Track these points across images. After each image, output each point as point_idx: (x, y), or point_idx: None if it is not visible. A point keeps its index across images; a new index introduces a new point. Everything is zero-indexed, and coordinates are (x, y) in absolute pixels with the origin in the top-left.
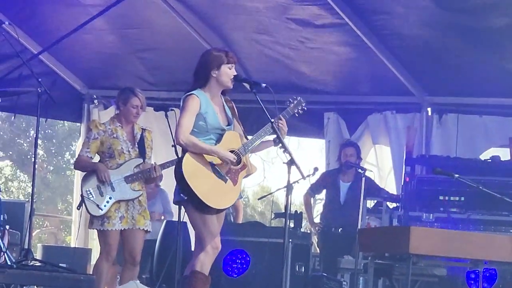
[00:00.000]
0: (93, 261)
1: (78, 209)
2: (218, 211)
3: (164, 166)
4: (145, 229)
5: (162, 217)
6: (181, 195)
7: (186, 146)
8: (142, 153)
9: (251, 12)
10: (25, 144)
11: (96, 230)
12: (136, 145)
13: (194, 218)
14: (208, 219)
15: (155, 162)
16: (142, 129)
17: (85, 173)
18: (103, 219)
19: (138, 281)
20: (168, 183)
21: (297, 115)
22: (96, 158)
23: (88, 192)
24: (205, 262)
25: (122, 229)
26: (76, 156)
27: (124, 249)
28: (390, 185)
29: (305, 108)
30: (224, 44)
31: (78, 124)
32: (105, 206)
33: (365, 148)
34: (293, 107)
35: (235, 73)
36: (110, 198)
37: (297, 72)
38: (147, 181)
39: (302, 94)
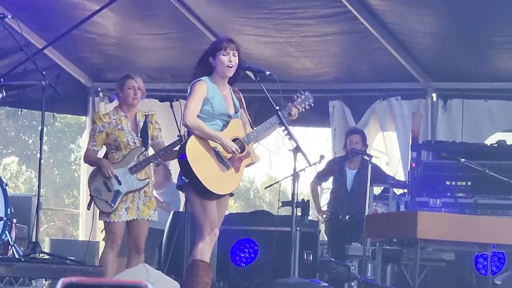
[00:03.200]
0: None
1: (89, 209)
2: (218, 197)
3: (174, 145)
4: (150, 219)
5: (164, 205)
6: (183, 177)
7: (192, 129)
8: (145, 142)
9: (252, 6)
10: (30, 140)
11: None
12: (139, 135)
13: (194, 203)
14: (208, 205)
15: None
16: (145, 115)
17: (91, 170)
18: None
19: (147, 265)
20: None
21: (303, 110)
22: (103, 150)
23: (96, 190)
24: (204, 249)
25: (128, 219)
26: (84, 150)
27: (128, 238)
28: (400, 172)
29: (312, 104)
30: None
31: (84, 117)
32: (114, 201)
33: (371, 135)
34: (300, 102)
35: (232, 60)
36: (118, 191)
37: (301, 60)
38: (166, 158)
39: (306, 82)
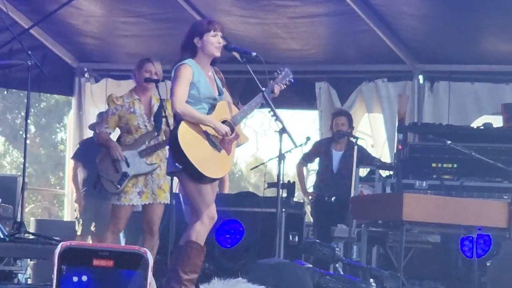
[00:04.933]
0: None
1: (95, 188)
2: (213, 180)
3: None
4: (165, 202)
5: None
6: (176, 164)
7: (182, 115)
8: (157, 127)
9: None
10: (17, 120)
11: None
12: (152, 118)
13: (189, 189)
14: (203, 189)
15: None
16: (160, 99)
17: (101, 151)
18: (119, 194)
19: None
20: None
21: (284, 86)
22: (117, 133)
23: (104, 170)
24: (201, 232)
25: (143, 204)
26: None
27: (142, 221)
28: (385, 154)
29: (292, 80)
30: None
31: (70, 97)
32: (121, 182)
33: (357, 117)
34: (281, 79)
35: (220, 41)
36: (125, 174)
37: (288, 42)
38: None
39: (293, 64)
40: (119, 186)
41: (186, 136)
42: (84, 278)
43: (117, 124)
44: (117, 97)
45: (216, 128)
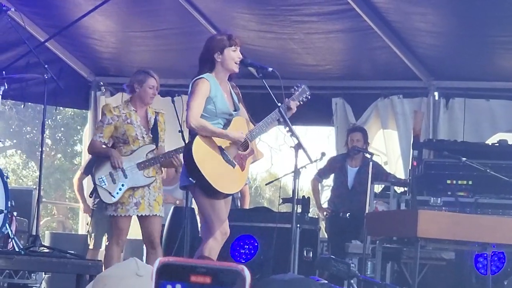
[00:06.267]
0: (101, 247)
1: (91, 197)
2: (226, 196)
3: (177, 151)
4: (160, 214)
5: (177, 202)
6: (190, 179)
7: (196, 130)
8: (155, 139)
9: (256, 2)
10: (33, 133)
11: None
12: (150, 131)
13: (203, 203)
14: (217, 204)
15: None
16: (156, 112)
17: (98, 160)
18: (116, 205)
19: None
20: None
21: (301, 103)
22: (110, 143)
23: (101, 179)
24: (213, 247)
25: (139, 215)
26: (89, 140)
27: (142, 235)
28: (399, 170)
29: (309, 97)
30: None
31: (86, 111)
32: (117, 193)
33: (371, 133)
34: (298, 95)
35: (240, 56)
36: (122, 185)
37: (304, 57)
38: (165, 165)
39: (309, 79)
40: (114, 197)
41: (200, 150)
42: (178, 286)
43: (112, 134)
44: (114, 107)
45: (231, 139)
